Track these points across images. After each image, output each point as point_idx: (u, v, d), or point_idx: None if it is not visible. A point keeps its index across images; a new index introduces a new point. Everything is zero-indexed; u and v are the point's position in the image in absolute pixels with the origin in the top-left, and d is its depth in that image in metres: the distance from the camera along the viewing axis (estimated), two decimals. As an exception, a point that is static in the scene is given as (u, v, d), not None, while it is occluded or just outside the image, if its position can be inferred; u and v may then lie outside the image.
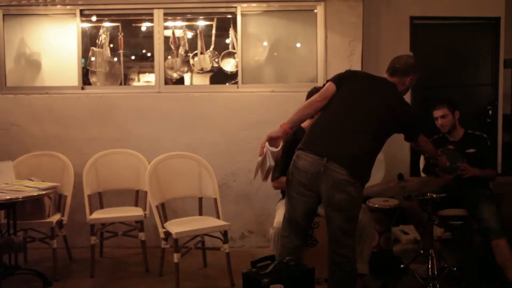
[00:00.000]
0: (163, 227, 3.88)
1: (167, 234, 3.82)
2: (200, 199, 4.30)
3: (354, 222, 2.91)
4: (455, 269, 3.63)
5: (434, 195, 3.36)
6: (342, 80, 3.04)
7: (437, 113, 4.01)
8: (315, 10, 4.84)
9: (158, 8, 4.84)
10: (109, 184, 4.56)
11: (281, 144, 2.88)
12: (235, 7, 4.84)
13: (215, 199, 4.17)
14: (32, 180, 4.07)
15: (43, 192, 3.80)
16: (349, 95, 2.99)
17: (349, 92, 3.00)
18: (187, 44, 5.21)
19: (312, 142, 2.92)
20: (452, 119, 3.99)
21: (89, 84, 5.04)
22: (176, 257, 3.72)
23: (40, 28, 5.00)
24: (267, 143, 2.85)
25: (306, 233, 3.18)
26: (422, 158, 4.34)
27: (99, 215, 4.26)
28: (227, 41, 5.28)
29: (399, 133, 3.06)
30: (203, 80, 5.53)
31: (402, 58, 3.14)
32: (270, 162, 2.85)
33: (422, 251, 3.70)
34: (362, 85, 3.05)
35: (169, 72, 5.14)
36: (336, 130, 2.91)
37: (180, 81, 5.33)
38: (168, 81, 5.14)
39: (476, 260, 4.17)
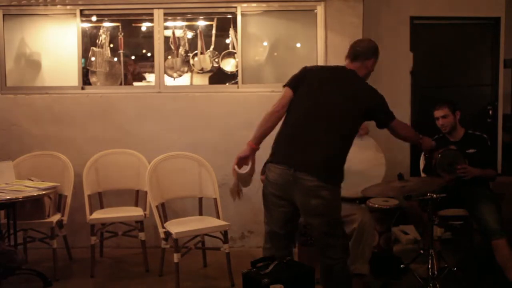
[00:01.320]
0: (163, 227, 3.88)
1: (167, 234, 3.82)
2: (200, 199, 4.30)
3: (336, 223, 2.84)
4: (455, 269, 3.63)
5: (434, 195, 3.35)
6: (298, 81, 2.92)
7: (438, 113, 4.01)
8: (315, 10, 4.84)
9: (158, 8, 4.84)
10: (109, 184, 4.56)
11: (250, 164, 2.84)
12: (235, 7, 4.84)
13: (215, 199, 4.17)
14: (32, 180, 4.07)
15: (43, 192, 3.80)
16: (309, 95, 2.86)
17: (309, 92, 2.87)
18: (187, 44, 5.20)
19: (279, 153, 2.86)
20: (453, 119, 3.99)
21: (89, 84, 5.04)
22: (176, 257, 3.73)
23: (40, 28, 5.00)
24: (235, 166, 2.83)
25: (288, 242, 3.03)
26: (422, 158, 4.34)
27: (99, 215, 4.26)
28: (227, 41, 5.28)
29: (369, 120, 2.97)
30: (203, 80, 5.53)
31: (363, 41, 3.10)
32: (240, 184, 2.90)
33: (422, 251, 3.70)
34: (320, 80, 2.92)
35: (169, 72, 5.13)
36: (300, 135, 2.81)
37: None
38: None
39: (476, 260, 4.16)
